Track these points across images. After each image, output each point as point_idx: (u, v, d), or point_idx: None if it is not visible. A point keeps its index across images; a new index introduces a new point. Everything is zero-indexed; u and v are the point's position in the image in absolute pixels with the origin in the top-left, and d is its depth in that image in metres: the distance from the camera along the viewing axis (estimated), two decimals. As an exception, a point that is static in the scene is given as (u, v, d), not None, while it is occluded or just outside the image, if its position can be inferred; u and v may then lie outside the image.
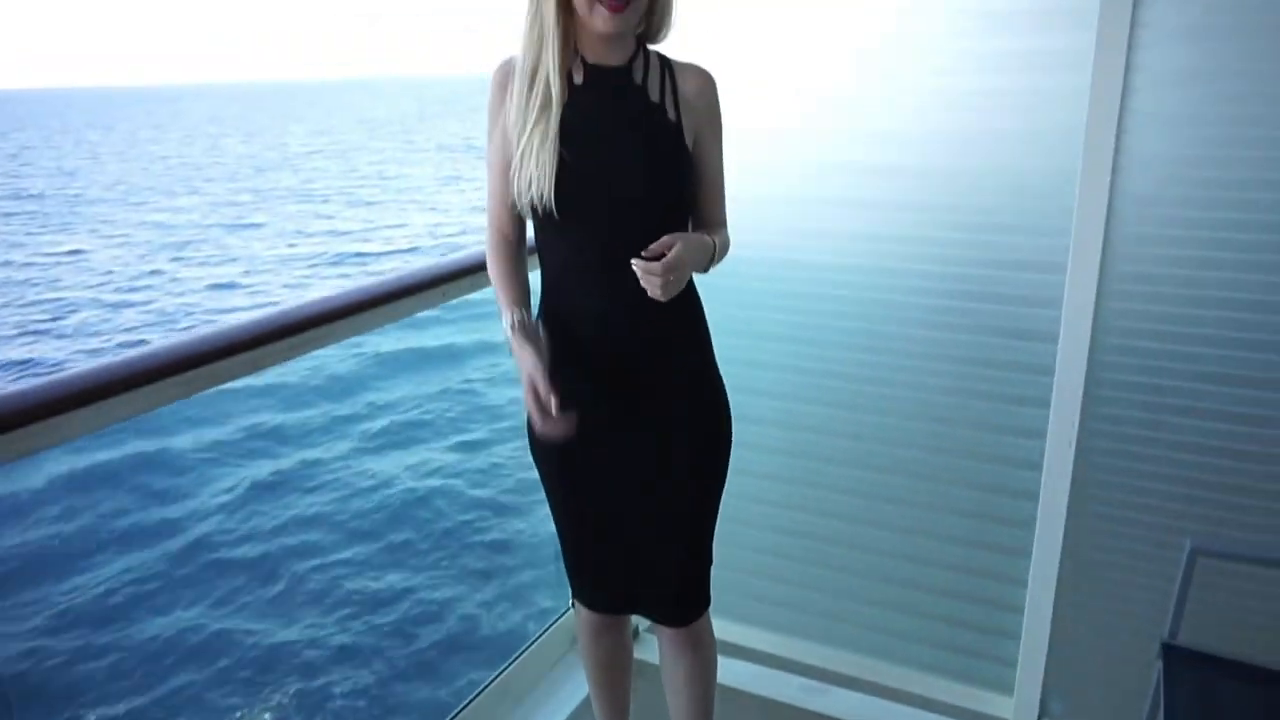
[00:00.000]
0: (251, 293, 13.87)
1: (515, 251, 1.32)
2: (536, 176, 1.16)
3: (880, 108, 1.65)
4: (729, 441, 1.37)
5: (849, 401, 1.82)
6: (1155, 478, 1.57)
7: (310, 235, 18.94)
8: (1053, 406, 1.61)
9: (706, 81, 1.26)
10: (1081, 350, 1.55)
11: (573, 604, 1.65)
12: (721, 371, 1.36)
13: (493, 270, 1.31)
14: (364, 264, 15.97)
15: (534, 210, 1.20)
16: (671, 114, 1.23)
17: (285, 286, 14.26)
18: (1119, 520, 1.62)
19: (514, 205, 1.23)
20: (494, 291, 1.31)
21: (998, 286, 1.62)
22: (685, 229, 1.29)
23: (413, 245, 17.48)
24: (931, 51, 1.59)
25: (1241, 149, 1.39)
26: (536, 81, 1.17)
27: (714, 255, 1.25)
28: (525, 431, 1.35)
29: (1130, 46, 1.40)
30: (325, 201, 23.93)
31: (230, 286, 14.36)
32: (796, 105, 1.73)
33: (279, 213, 21.95)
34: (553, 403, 1.14)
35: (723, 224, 1.32)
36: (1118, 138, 1.44)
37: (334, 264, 16.05)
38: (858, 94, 1.67)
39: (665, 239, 1.13)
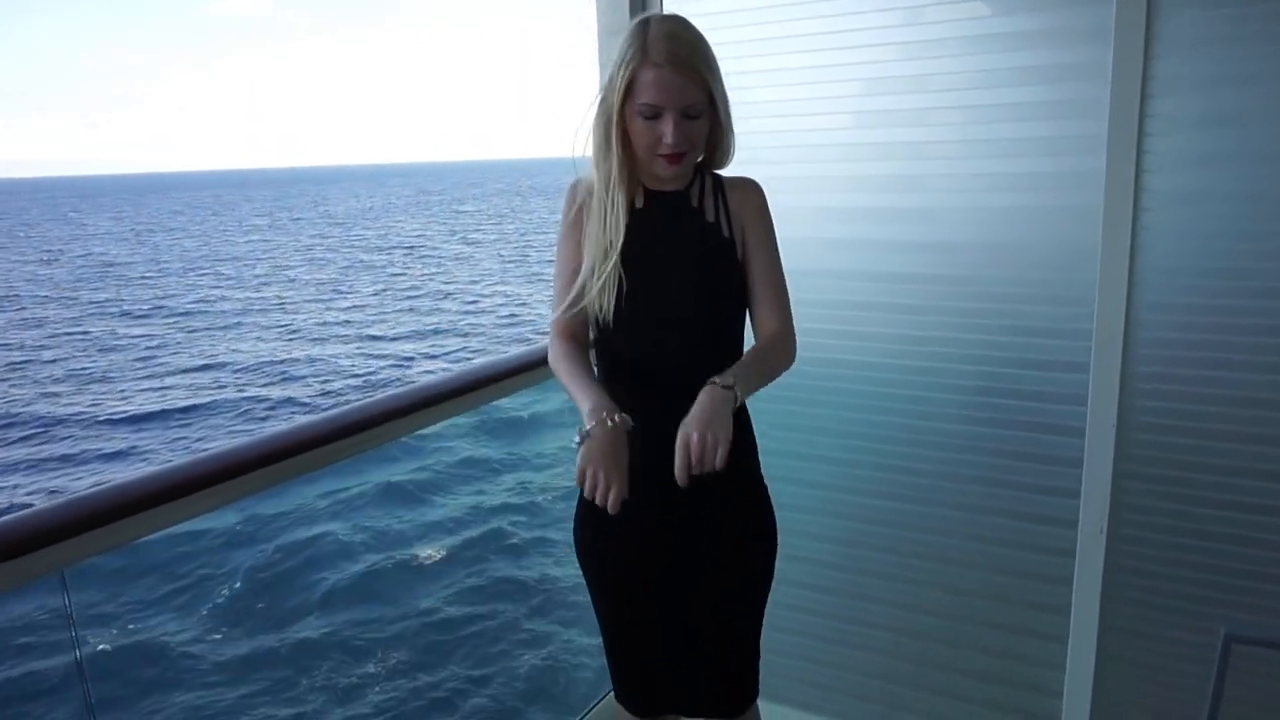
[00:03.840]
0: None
1: (584, 353, 1.36)
2: (599, 293, 1.28)
3: (914, 219, 1.80)
4: (775, 542, 1.44)
5: (889, 491, 1.91)
6: (1188, 565, 1.64)
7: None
8: (1082, 497, 1.70)
9: (751, 189, 1.36)
10: (1107, 445, 1.65)
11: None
12: (768, 463, 1.44)
13: (563, 364, 1.31)
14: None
15: (595, 321, 1.31)
16: (725, 231, 1.33)
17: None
18: (1154, 606, 1.69)
19: (583, 310, 1.32)
20: (566, 385, 1.29)
21: (1024, 384, 1.73)
22: (737, 341, 1.36)
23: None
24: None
25: (1259, 243, 1.49)
26: (603, 205, 1.29)
27: (752, 380, 1.24)
28: (571, 535, 1.43)
29: (1141, 134, 1.52)
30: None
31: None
32: (841, 222, 1.88)
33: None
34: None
35: (779, 324, 1.34)
36: (1132, 252, 1.57)
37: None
38: (898, 208, 1.82)
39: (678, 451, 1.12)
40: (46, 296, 25.05)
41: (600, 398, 1.20)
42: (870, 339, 1.86)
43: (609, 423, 1.15)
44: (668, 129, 1.21)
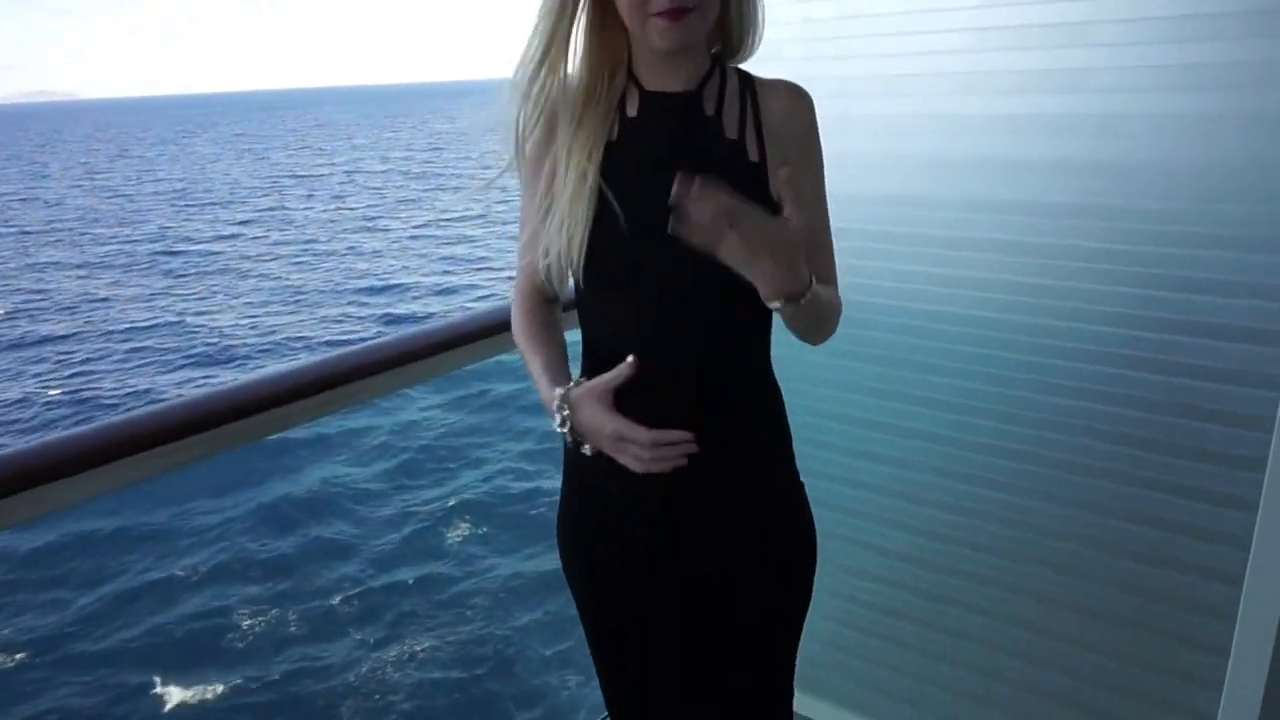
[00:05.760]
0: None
1: (543, 310, 1.01)
2: (563, 237, 0.90)
3: (1058, 129, 1.18)
4: (812, 569, 1.06)
5: (996, 480, 1.40)
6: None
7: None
8: (1239, 621, 1.05)
9: (797, 100, 0.94)
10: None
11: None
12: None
13: (520, 335, 1.00)
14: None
15: (576, 283, 0.95)
16: (753, 152, 0.92)
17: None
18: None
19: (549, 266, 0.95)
20: (526, 364, 0.98)
21: (1186, 438, 1.09)
22: (758, 311, 0.89)
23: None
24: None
25: None
26: (578, 110, 0.92)
27: (819, 303, 0.86)
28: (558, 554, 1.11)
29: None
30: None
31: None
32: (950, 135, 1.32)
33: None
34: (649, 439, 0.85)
35: (829, 284, 0.96)
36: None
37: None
38: (1036, 114, 1.19)
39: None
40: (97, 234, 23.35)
41: (547, 384, 0.92)
42: (970, 285, 1.34)
43: (565, 413, 0.89)
44: None
